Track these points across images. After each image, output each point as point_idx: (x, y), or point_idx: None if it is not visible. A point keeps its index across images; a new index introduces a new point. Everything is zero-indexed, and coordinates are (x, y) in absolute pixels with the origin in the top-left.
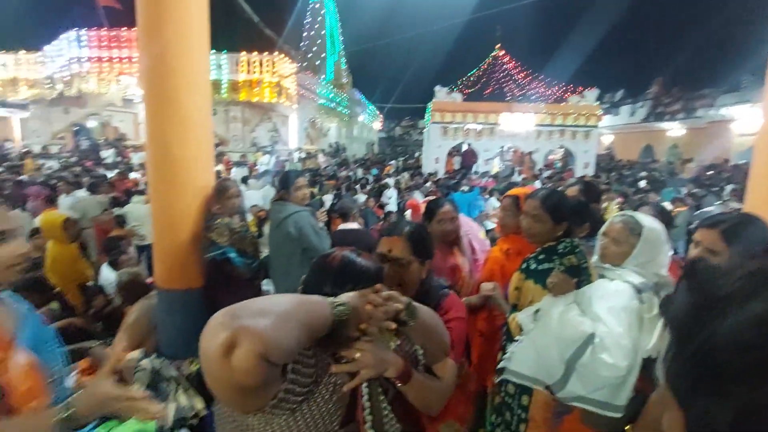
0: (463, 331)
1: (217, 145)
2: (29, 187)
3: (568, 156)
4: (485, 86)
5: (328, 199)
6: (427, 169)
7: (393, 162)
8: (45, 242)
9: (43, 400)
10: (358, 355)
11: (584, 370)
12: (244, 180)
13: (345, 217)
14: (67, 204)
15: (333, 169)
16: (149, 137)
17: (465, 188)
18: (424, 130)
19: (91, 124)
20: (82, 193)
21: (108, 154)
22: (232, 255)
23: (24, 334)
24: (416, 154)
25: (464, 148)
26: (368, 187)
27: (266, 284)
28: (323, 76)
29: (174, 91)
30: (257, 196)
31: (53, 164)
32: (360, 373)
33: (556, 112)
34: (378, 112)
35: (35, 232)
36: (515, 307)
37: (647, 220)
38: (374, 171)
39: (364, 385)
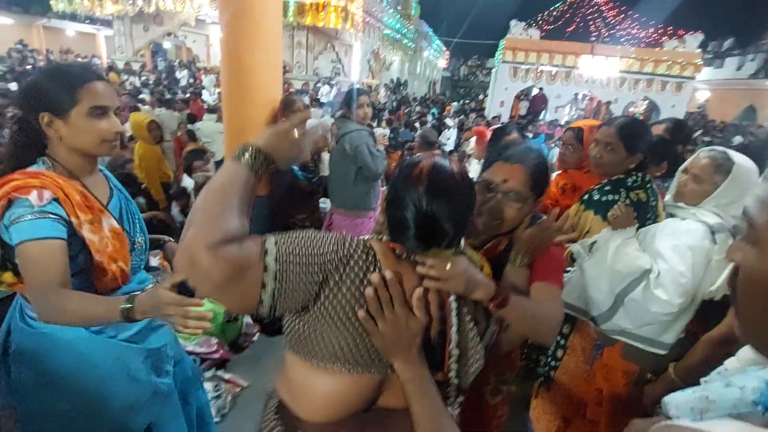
0: (562, 258)
1: (285, 72)
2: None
3: (651, 110)
4: (568, 23)
5: (384, 133)
6: (490, 113)
7: (454, 104)
8: (133, 145)
9: (125, 264)
10: (449, 265)
11: (634, 305)
12: (305, 107)
13: (431, 145)
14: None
15: (392, 105)
16: (223, 45)
17: (530, 135)
18: (492, 70)
19: (167, 45)
20: (162, 109)
21: (182, 75)
22: (295, 167)
23: (113, 204)
24: (480, 97)
25: (534, 92)
26: (427, 126)
27: (324, 203)
28: (390, 6)
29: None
30: (311, 123)
31: (135, 80)
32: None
33: (646, 58)
34: (444, 48)
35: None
36: (570, 240)
37: (739, 157)
38: (434, 110)
39: (453, 299)
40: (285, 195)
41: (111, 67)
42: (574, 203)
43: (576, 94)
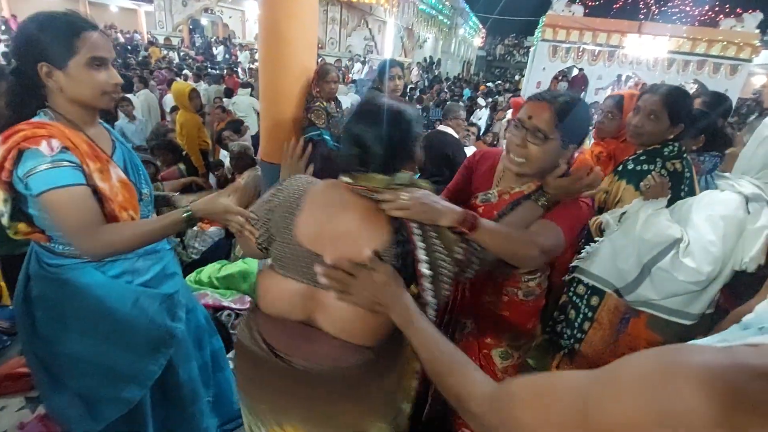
0: (583, 215)
1: (318, 48)
2: (156, 72)
3: (701, 94)
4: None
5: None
6: (526, 94)
7: (489, 84)
8: (175, 116)
9: (135, 213)
10: (404, 196)
11: (661, 275)
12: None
13: (445, 116)
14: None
15: (423, 84)
16: (261, 17)
17: None
18: (530, 49)
19: (204, 21)
20: (201, 83)
21: (218, 51)
22: (327, 137)
23: (117, 155)
24: (516, 78)
25: (574, 73)
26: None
27: None
28: None
29: None
30: (344, 101)
31: (174, 56)
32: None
33: (699, 38)
34: (480, 26)
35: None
36: (600, 211)
37: None
38: (467, 91)
39: (415, 226)
40: (316, 164)
41: (152, 42)
42: (608, 172)
43: (619, 76)
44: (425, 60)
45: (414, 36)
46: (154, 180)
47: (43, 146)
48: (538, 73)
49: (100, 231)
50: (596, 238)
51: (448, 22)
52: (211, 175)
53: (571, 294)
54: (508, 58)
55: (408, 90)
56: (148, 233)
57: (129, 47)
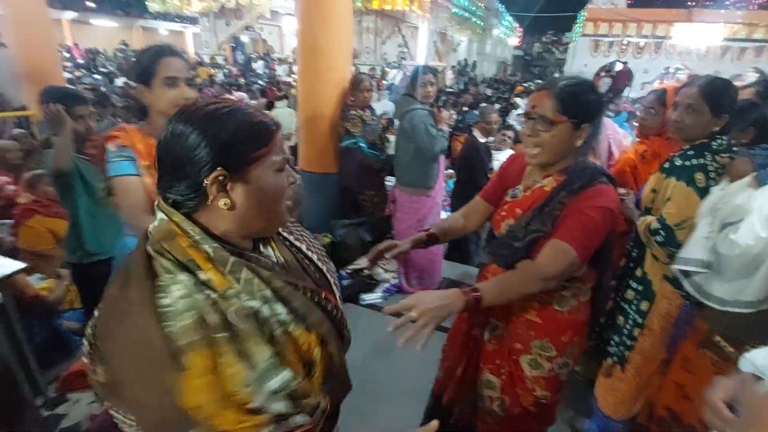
0: (601, 225)
1: (353, 58)
2: (203, 90)
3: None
4: None
5: (450, 113)
6: None
7: (526, 84)
8: None
9: None
10: (414, 314)
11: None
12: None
13: (488, 123)
14: None
15: (458, 88)
16: (299, 31)
17: (611, 113)
18: (570, 45)
19: (245, 38)
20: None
21: (258, 66)
22: (363, 145)
23: None
24: (555, 76)
25: (618, 67)
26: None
27: (389, 180)
28: None
29: None
30: (378, 108)
31: (219, 74)
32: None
33: (757, 23)
34: (516, 25)
35: None
36: (648, 211)
37: None
38: (503, 91)
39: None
40: (353, 172)
41: (200, 63)
42: (653, 171)
43: (667, 68)
44: (459, 63)
45: (447, 40)
46: None
47: (111, 145)
48: (579, 69)
49: (144, 216)
50: (645, 242)
51: (482, 24)
52: None
53: (618, 299)
54: (547, 56)
55: (443, 94)
56: None
57: None
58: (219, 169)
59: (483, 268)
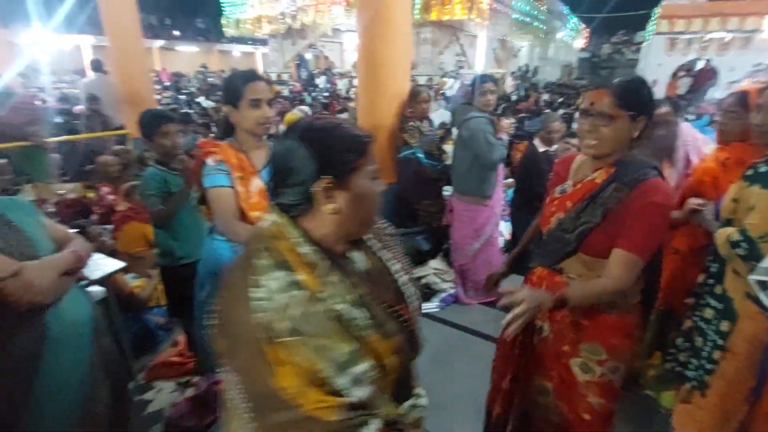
0: (660, 224)
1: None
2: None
3: None
4: None
5: (510, 121)
6: None
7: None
8: None
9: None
10: (519, 294)
11: None
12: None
13: (549, 132)
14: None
15: (518, 94)
16: (360, 46)
17: (691, 116)
18: (643, 45)
19: (308, 56)
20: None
21: (320, 81)
22: (420, 155)
23: (265, 170)
24: (608, 74)
25: (699, 66)
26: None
27: (447, 190)
28: None
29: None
30: (435, 118)
31: (285, 90)
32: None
33: None
34: (583, 26)
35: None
36: (728, 223)
37: None
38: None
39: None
40: (411, 182)
41: (269, 81)
42: (735, 180)
43: (759, 65)
44: (520, 69)
45: (507, 46)
46: None
47: (210, 159)
48: (653, 69)
49: (232, 223)
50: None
51: (545, 28)
52: None
53: (696, 318)
54: (617, 57)
55: (503, 101)
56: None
57: None
58: (326, 177)
59: (528, 272)
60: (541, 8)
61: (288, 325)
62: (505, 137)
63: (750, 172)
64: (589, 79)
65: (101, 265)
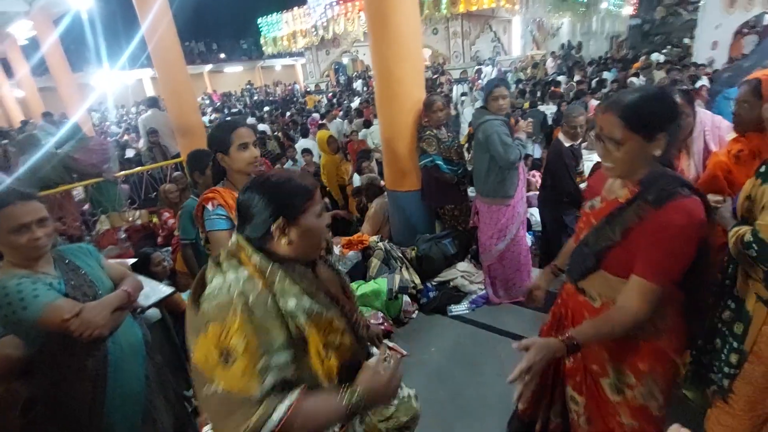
0: (683, 247)
1: (441, 64)
2: (310, 117)
3: None
4: None
5: (549, 110)
6: (699, 59)
7: (653, 56)
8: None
9: None
10: (530, 363)
11: None
12: (463, 95)
13: (573, 128)
14: (332, 127)
15: (554, 75)
16: (374, 63)
17: (722, 88)
18: (700, 4)
19: (345, 60)
20: (338, 120)
21: (357, 84)
22: (440, 162)
23: None
24: (685, 41)
25: (766, 21)
26: (603, 91)
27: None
28: None
29: (388, 11)
30: (469, 112)
31: (323, 98)
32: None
33: None
34: None
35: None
36: (745, 222)
37: None
38: (612, 71)
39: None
40: (433, 189)
41: (308, 92)
42: (752, 173)
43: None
44: (562, 47)
45: (545, 26)
46: None
47: (209, 205)
48: (710, 31)
49: None
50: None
51: (585, 1)
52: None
53: (716, 319)
54: (672, 19)
55: (536, 85)
56: None
57: (288, 98)
58: (280, 218)
59: (562, 288)
60: None
61: (240, 303)
62: (523, 137)
63: (763, 169)
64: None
65: (154, 292)
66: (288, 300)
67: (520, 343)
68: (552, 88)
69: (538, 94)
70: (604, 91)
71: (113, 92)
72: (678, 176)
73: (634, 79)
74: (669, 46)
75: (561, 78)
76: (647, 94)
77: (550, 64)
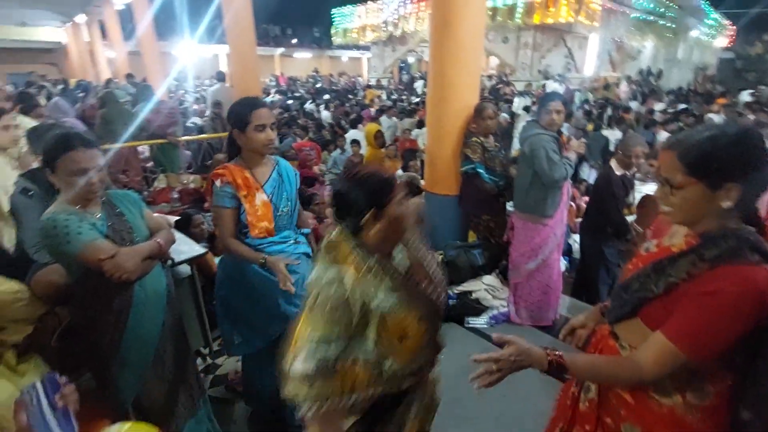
0: (728, 318)
1: (505, 74)
2: (364, 110)
3: None
4: None
5: (614, 136)
6: None
7: (741, 95)
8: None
9: (269, 223)
10: (513, 341)
11: None
12: (526, 109)
13: (628, 157)
14: (385, 123)
15: (626, 100)
16: (430, 62)
17: None
18: None
19: (411, 59)
20: (393, 119)
21: (418, 85)
22: (481, 170)
23: (268, 184)
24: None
25: None
26: (675, 124)
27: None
28: None
29: (451, 15)
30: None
31: (382, 94)
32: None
33: None
34: (727, 23)
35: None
36: None
37: None
38: (688, 106)
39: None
40: (471, 196)
41: (369, 86)
42: None
43: None
44: (640, 72)
45: (625, 48)
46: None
47: (218, 181)
48: None
49: (228, 240)
50: None
51: (673, 26)
52: None
53: None
54: None
55: (605, 108)
56: (238, 252)
57: (349, 89)
58: (372, 209)
59: (597, 328)
60: (670, 4)
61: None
62: (573, 156)
63: None
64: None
65: (188, 250)
66: (378, 293)
67: (499, 335)
68: (621, 113)
69: (605, 118)
70: (679, 124)
71: (192, 64)
72: (755, 239)
73: (713, 116)
74: (762, 86)
75: (633, 104)
76: (721, 134)
77: (624, 89)
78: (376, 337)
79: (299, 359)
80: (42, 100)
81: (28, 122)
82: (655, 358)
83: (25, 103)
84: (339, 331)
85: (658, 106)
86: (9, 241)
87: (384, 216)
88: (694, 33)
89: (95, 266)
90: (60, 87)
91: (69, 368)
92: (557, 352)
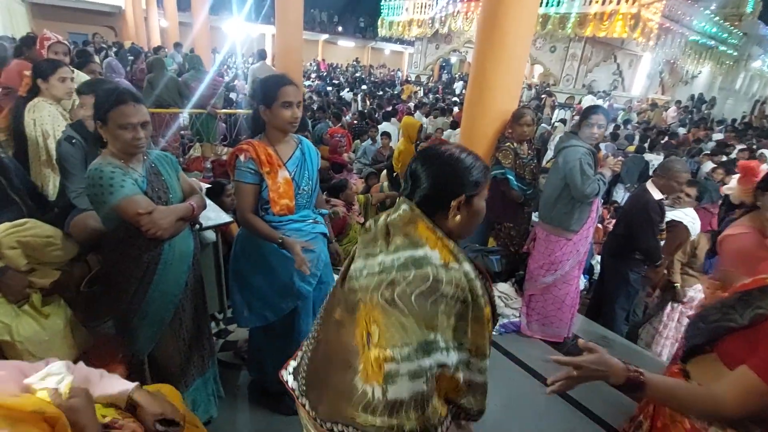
0: None
1: (548, 84)
2: (400, 105)
3: None
4: None
5: (656, 159)
6: None
7: None
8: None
9: (290, 201)
10: (598, 350)
11: None
12: (563, 122)
13: (668, 179)
14: (418, 119)
15: (672, 125)
16: (473, 63)
17: None
18: None
19: (453, 59)
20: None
21: (457, 86)
22: (511, 177)
23: (291, 162)
24: None
25: None
26: (724, 158)
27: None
28: (706, 6)
29: (501, 18)
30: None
31: (419, 90)
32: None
33: None
34: None
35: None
36: None
37: None
38: (742, 145)
39: None
40: (496, 201)
41: (407, 80)
42: None
43: None
44: (692, 98)
45: (678, 71)
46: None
47: (241, 156)
48: None
49: (247, 215)
50: None
51: (734, 53)
52: None
53: None
54: None
55: (648, 132)
56: (255, 228)
57: (388, 82)
58: (463, 195)
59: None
60: (735, 31)
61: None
62: (608, 174)
63: None
64: None
65: (215, 217)
66: (477, 283)
67: (584, 342)
68: (667, 138)
69: (648, 141)
70: (730, 157)
71: (240, 41)
72: None
73: (765, 152)
74: None
75: (680, 130)
76: None
77: (672, 113)
78: (472, 336)
79: (384, 380)
80: (97, 59)
81: (83, 77)
82: (740, 395)
83: (82, 59)
84: (443, 330)
85: (716, 136)
86: (53, 188)
87: (470, 206)
88: (757, 63)
89: (133, 219)
90: (114, 50)
91: (93, 314)
92: (638, 372)
